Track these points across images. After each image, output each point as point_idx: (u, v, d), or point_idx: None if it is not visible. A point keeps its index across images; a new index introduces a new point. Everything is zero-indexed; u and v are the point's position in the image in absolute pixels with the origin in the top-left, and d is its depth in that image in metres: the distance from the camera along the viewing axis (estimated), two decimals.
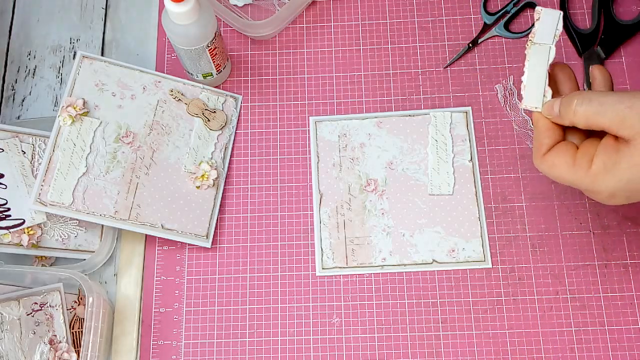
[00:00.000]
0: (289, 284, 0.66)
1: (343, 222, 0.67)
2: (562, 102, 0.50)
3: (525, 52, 0.53)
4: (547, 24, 0.53)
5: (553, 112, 0.51)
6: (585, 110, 0.48)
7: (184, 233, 0.66)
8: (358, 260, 0.66)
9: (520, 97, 0.52)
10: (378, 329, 0.64)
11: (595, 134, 0.50)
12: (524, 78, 0.53)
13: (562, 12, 0.53)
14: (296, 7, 0.71)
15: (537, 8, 0.53)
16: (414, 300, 0.65)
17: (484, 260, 0.65)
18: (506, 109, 0.70)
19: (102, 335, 0.62)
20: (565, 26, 0.72)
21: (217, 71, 0.69)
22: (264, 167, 0.70)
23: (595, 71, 0.52)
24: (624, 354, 0.62)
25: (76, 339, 0.63)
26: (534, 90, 0.52)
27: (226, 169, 0.69)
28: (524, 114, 0.70)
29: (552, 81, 0.53)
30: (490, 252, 0.66)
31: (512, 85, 0.70)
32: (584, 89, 0.68)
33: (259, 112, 0.72)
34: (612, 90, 0.52)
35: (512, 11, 0.73)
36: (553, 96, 0.52)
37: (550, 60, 0.52)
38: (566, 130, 0.52)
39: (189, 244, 0.67)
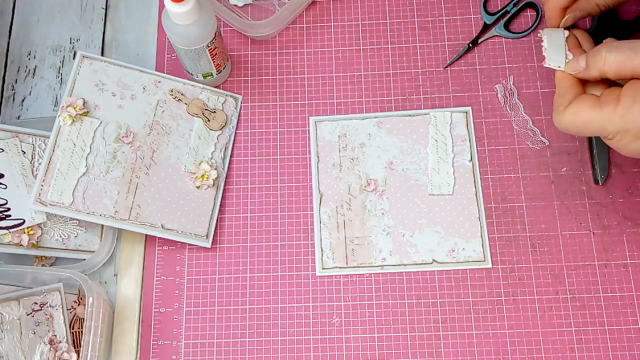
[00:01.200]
0: (289, 284, 0.66)
1: (343, 222, 0.67)
2: (590, 54, 0.51)
3: (539, 36, 0.57)
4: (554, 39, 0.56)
5: (578, 67, 0.52)
6: (615, 56, 0.49)
7: (184, 233, 0.66)
8: (358, 260, 0.66)
9: (542, 59, 0.55)
10: (378, 329, 0.64)
11: (617, 85, 0.51)
12: (544, 43, 0.55)
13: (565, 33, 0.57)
14: (296, 7, 0.71)
15: (540, 32, 0.57)
16: (414, 300, 0.65)
17: (484, 260, 0.65)
18: (506, 109, 0.70)
19: (102, 335, 0.62)
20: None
21: (217, 71, 0.69)
22: (264, 167, 0.70)
23: (610, 41, 0.54)
24: (624, 354, 0.62)
25: (76, 339, 0.63)
26: (555, 51, 0.54)
27: (226, 169, 0.69)
28: (524, 114, 0.70)
29: (572, 40, 0.56)
30: (490, 252, 0.66)
31: (512, 85, 0.70)
32: None
33: (259, 112, 0.72)
34: None
35: (512, 11, 0.73)
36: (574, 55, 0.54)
37: (565, 35, 0.56)
38: (586, 86, 0.53)
39: (189, 244, 0.67)
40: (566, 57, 0.54)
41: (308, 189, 0.69)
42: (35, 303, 0.63)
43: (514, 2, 0.73)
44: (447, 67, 0.72)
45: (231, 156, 0.70)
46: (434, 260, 0.66)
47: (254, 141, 0.71)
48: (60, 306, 0.64)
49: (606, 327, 0.63)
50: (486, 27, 0.73)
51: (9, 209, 0.65)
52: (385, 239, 0.66)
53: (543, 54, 0.55)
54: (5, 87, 0.74)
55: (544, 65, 0.55)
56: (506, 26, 0.72)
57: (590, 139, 0.68)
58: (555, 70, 0.54)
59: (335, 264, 0.66)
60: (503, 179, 0.68)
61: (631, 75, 0.49)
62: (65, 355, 0.62)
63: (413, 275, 0.66)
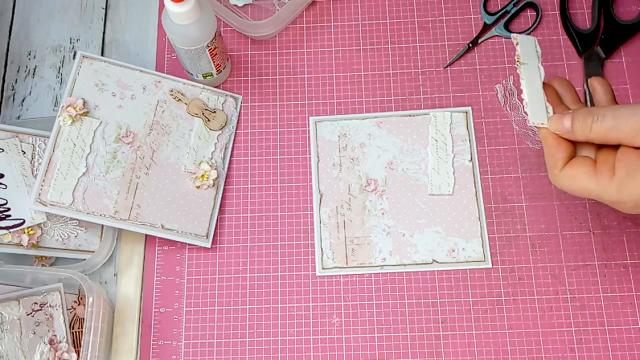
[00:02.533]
0: (289, 284, 0.66)
1: (343, 222, 0.67)
2: (576, 119, 0.50)
3: (518, 71, 0.53)
4: (527, 47, 0.54)
5: (563, 127, 0.51)
6: (600, 126, 0.48)
7: (184, 233, 0.66)
8: (358, 260, 0.66)
9: (526, 113, 0.52)
10: (378, 329, 0.64)
11: (608, 145, 0.50)
12: (524, 96, 0.53)
13: (536, 38, 0.54)
14: (296, 7, 0.71)
15: (513, 35, 0.54)
16: (414, 300, 0.65)
17: (484, 260, 0.65)
18: (506, 109, 0.70)
19: (102, 335, 0.62)
20: (565, 26, 0.72)
21: (217, 71, 0.69)
22: (264, 167, 0.70)
23: (594, 83, 0.53)
24: (624, 354, 0.62)
25: (76, 339, 0.63)
26: (536, 106, 0.52)
27: (226, 169, 0.69)
28: (524, 114, 0.69)
29: (552, 94, 0.53)
30: (490, 252, 0.66)
31: (512, 85, 0.71)
32: (584, 91, 0.69)
33: (259, 112, 0.72)
34: (614, 98, 0.53)
35: (512, 11, 0.73)
36: (555, 111, 0.52)
37: (542, 78, 0.53)
38: (577, 144, 0.52)
39: (189, 244, 0.67)
40: (547, 110, 0.52)
41: (308, 189, 0.69)
42: (35, 303, 0.63)
43: (514, 2, 0.73)
44: (447, 67, 0.72)
45: (231, 156, 0.70)
46: (434, 260, 0.66)
47: (254, 141, 0.71)
48: (60, 306, 0.63)
49: (606, 327, 0.63)
50: (486, 27, 0.73)
51: (9, 209, 0.65)
52: (385, 239, 0.66)
53: (525, 109, 0.52)
54: (5, 87, 0.74)
55: (528, 125, 0.52)
56: (506, 26, 0.72)
57: None
58: (538, 127, 0.52)
59: (335, 264, 0.66)
60: (503, 179, 0.68)
61: (617, 143, 0.49)
62: (65, 355, 0.62)
63: (413, 275, 0.66)
